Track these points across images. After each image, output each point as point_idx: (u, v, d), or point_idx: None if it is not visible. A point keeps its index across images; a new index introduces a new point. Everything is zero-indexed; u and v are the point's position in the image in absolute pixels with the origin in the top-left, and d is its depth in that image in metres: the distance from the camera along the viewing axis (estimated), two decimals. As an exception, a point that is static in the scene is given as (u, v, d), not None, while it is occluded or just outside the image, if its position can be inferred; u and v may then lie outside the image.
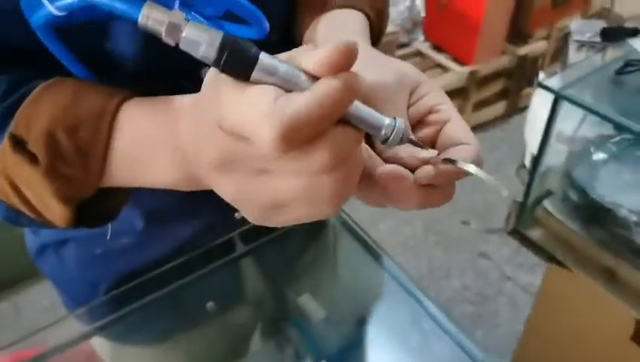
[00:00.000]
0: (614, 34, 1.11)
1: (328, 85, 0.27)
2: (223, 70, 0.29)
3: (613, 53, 1.14)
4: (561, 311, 1.24)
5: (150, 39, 0.31)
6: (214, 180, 0.33)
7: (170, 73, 0.48)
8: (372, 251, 0.75)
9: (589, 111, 0.94)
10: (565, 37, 2.10)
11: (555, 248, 1.08)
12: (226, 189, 0.32)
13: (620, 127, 0.98)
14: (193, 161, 0.34)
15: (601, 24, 1.69)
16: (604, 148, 1.07)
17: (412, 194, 0.34)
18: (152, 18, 0.30)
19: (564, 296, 1.19)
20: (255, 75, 0.29)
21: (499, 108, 2.52)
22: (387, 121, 0.31)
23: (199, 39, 0.29)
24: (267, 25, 0.38)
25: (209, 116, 0.31)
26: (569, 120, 1.12)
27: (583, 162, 1.07)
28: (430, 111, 0.38)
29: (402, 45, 2.39)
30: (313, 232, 0.76)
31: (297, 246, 0.76)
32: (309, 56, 0.29)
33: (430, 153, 0.35)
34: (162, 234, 0.62)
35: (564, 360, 1.27)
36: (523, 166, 2.27)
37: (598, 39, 1.66)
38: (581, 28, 1.78)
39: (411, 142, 0.33)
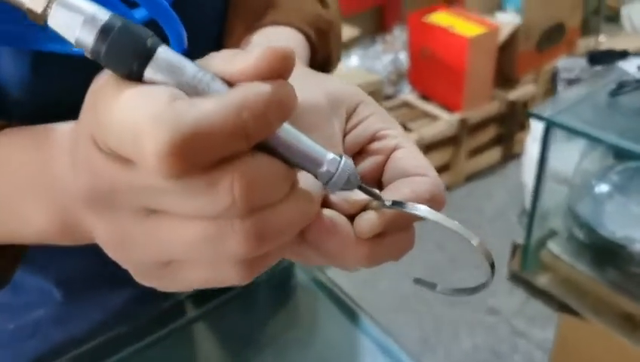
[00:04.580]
0: (603, 58, 1.05)
1: (252, 89, 0.19)
2: (106, 63, 0.21)
3: (603, 79, 1.07)
4: (581, 366, 1.10)
5: (41, 55, 0.23)
6: (88, 221, 0.24)
7: (72, 97, 0.40)
8: (350, 312, 0.63)
9: (584, 136, 0.85)
10: (553, 77, 2.07)
11: (565, 294, 0.96)
12: (99, 233, 0.23)
13: (619, 151, 0.89)
14: (63, 196, 0.26)
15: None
16: (606, 180, 0.98)
17: (353, 250, 0.24)
18: None
19: (581, 348, 1.06)
20: (150, 72, 0.21)
21: (494, 155, 2.46)
22: (330, 155, 0.23)
23: (75, 16, 0.20)
24: (185, 39, 0.30)
25: (83, 133, 0.22)
26: (565, 159, 1.04)
27: (585, 196, 0.97)
28: (373, 138, 0.29)
29: (388, 97, 2.35)
30: (280, 290, 0.66)
31: (261, 307, 0.65)
32: (231, 59, 0.21)
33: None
34: (85, 305, 0.52)
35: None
36: (524, 211, 2.17)
37: (586, 74, 1.62)
38: (569, 65, 1.75)
39: (362, 188, 0.24)
